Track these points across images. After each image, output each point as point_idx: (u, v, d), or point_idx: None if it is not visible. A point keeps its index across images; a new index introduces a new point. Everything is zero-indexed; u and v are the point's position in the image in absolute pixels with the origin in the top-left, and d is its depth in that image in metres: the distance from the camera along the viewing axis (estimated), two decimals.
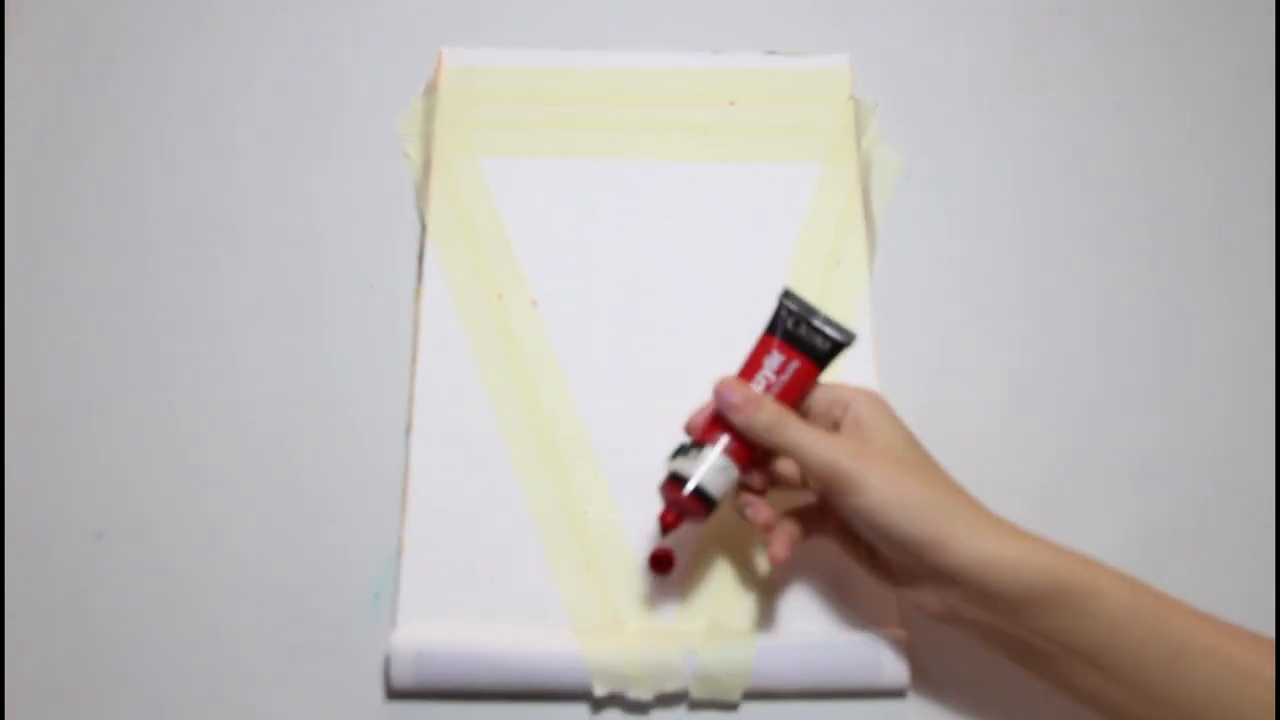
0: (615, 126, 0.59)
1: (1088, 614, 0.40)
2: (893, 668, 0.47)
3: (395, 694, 0.48)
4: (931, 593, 0.44)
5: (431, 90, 0.59)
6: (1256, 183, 0.60)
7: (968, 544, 0.41)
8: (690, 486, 0.45)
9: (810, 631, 0.49)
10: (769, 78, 0.60)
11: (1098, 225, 0.59)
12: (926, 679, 0.48)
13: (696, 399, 0.53)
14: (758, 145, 0.58)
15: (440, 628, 0.48)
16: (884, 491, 0.42)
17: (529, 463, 0.52)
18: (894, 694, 0.48)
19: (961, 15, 0.63)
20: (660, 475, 0.47)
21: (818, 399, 0.47)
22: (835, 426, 0.46)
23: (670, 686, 0.47)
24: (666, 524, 0.46)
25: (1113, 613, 0.40)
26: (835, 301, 0.55)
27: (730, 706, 0.48)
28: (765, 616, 0.49)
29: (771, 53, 0.61)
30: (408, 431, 0.52)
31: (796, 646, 0.48)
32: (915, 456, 0.45)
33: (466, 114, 0.59)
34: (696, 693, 0.47)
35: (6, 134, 0.58)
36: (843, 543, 0.47)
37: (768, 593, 0.50)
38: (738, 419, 0.45)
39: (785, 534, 0.46)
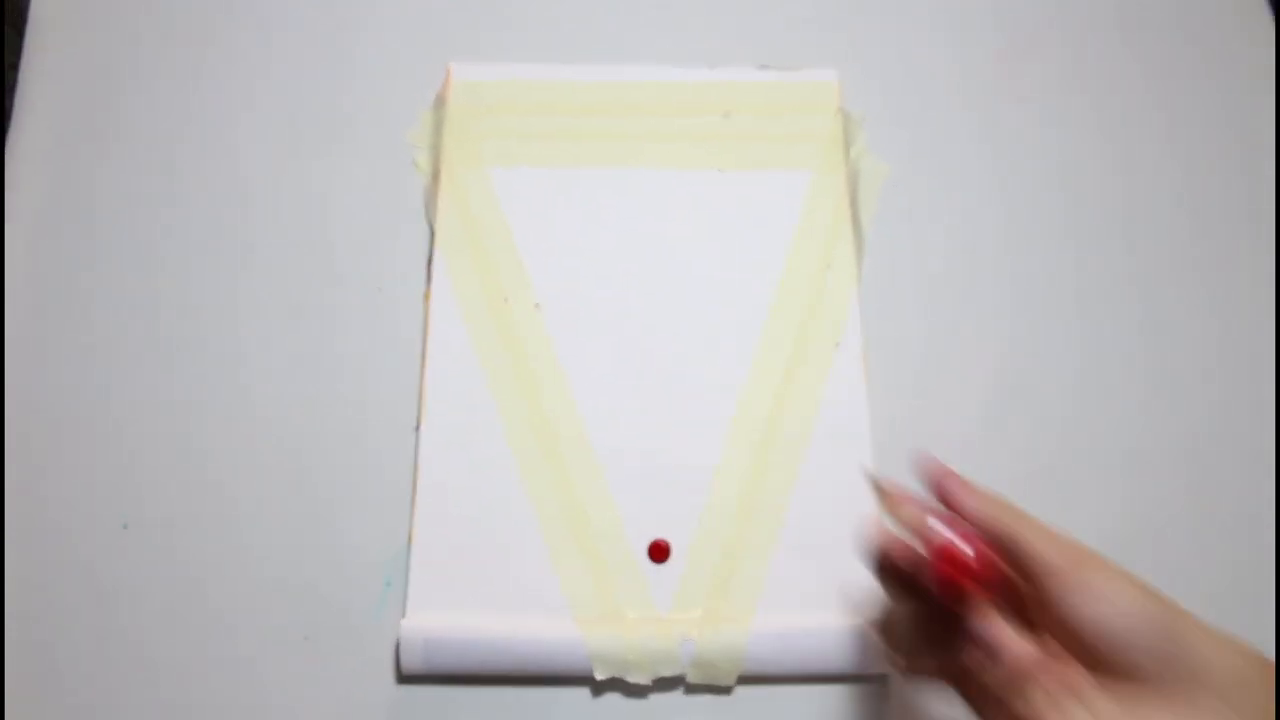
0: (616, 137, 0.60)
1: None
2: (880, 653, 0.49)
3: (406, 678, 0.49)
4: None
5: (440, 103, 0.60)
6: (1242, 189, 0.60)
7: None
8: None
9: (802, 619, 0.50)
10: (762, 91, 0.61)
11: (1082, 232, 0.59)
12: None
13: (693, 398, 0.54)
14: (751, 154, 0.59)
15: (448, 615, 0.50)
16: (1110, 580, 0.36)
17: (532, 459, 0.53)
18: (881, 678, 0.50)
19: (946, 29, 0.64)
20: (658, 474, 0.50)
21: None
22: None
23: (668, 671, 0.48)
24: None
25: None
26: (826, 305, 0.56)
27: (725, 690, 0.49)
28: (759, 605, 0.50)
29: (764, 67, 0.62)
30: (417, 429, 0.53)
31: (789, 633, 0.49)
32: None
33: (474, 126, 0.60)
34: (693, 677, 0.49)
35: (22, 142, 0.59)
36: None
37: (762, 582, 0.51)
38: (970, 502, 0.38)
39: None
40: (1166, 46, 0.64)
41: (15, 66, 0.61)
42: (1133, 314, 0.58)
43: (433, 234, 0.58)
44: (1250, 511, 0.54)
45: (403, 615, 0.50)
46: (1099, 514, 0.53)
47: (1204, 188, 0.61)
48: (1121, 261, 0.59)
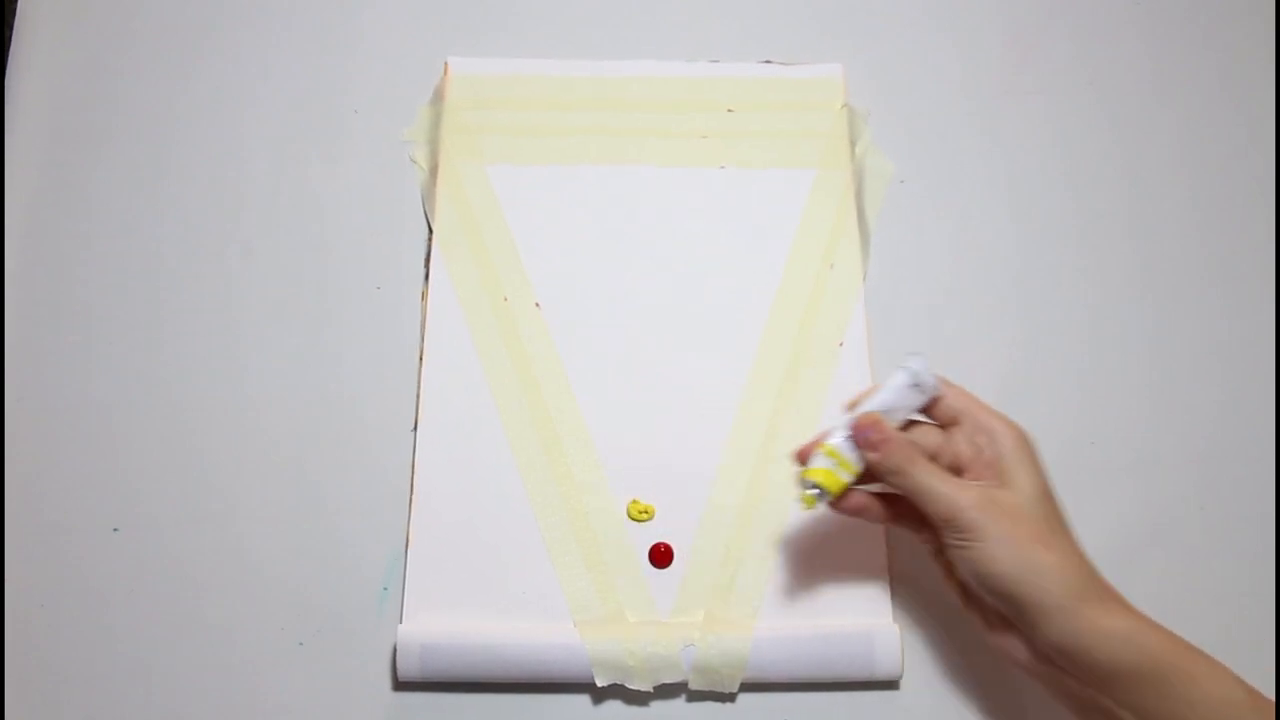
0: (617, 133, 0.59)
1: (1178, 698, 0.40)
2: (886, 659, 0.48)
3: (402, 684, 0.48)
4: (1023, 648, 0.44)
5: (438, 99, 0.60)
6: (1249, 185, 0.60)
7: (1071, 613, 0.41)
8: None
9: (805, 624, 0.49)
10: (765, 86, 0.61)
11: (1089, 228, 0.59)
12: (919, 670, 0.49)
13: (695, 399, 0.54)
14: (755, 151, 0.59)
15: (445, 620, 0.49)
16: (999, 547, 0.42)
17: (532, 460, 0.52)
18: (887, 685, 0.49)
19: (952, 23, 0.64)
20: (658, 474, 0.50)
21: (967, 421, 0.46)
22: (976, 455, 0.45)
23: (669, 677, 0.48)
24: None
25: (1202, 699, 0.40)
26: (829, 303, 0.56)
27: (728, 697, 0.49)
28: (761, 609, 0.50)
29: (768, 62, 0.61)
30: (414, 430, 0.53)
31: (792, 638, 0.49)
32: (1042, 511, 0.44)
33: (472, 122, 0.59)
34: (695, 683, 0.48)
35: (20, 140, 0.58)
36: (940, 566, 0.47)
37: (764, 586, 0.50)
38: (873, 457, 0.45)
39: (869, 501, 0.47)
40: (1179, 36, 0.64)
41: (3, 64, 0.60)
42: (1140, 312, 0.57)
43: (430, 231, 0.57)
44: (1255, 512, 0.54)
45: (399, 620, 0.49)
46: (1106, 514, 0.53)
47: (1220, 180, 0.60)
48: (1129, 259, 0.59)
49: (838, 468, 0.46)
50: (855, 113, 0.60)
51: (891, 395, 0.46)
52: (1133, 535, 0.53)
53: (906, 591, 0.51)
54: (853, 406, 0.47)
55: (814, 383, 0.54)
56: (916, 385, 0.46)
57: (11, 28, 0.61)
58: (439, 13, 0.63)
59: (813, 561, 0.51)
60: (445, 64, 0.61)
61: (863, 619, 0.50)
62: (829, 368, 0.55)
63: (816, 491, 0.46)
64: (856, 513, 0.47)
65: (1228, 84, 0.63)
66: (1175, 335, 0.57)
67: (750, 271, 0.57)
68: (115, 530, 0.51)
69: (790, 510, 0.52)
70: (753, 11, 0.63)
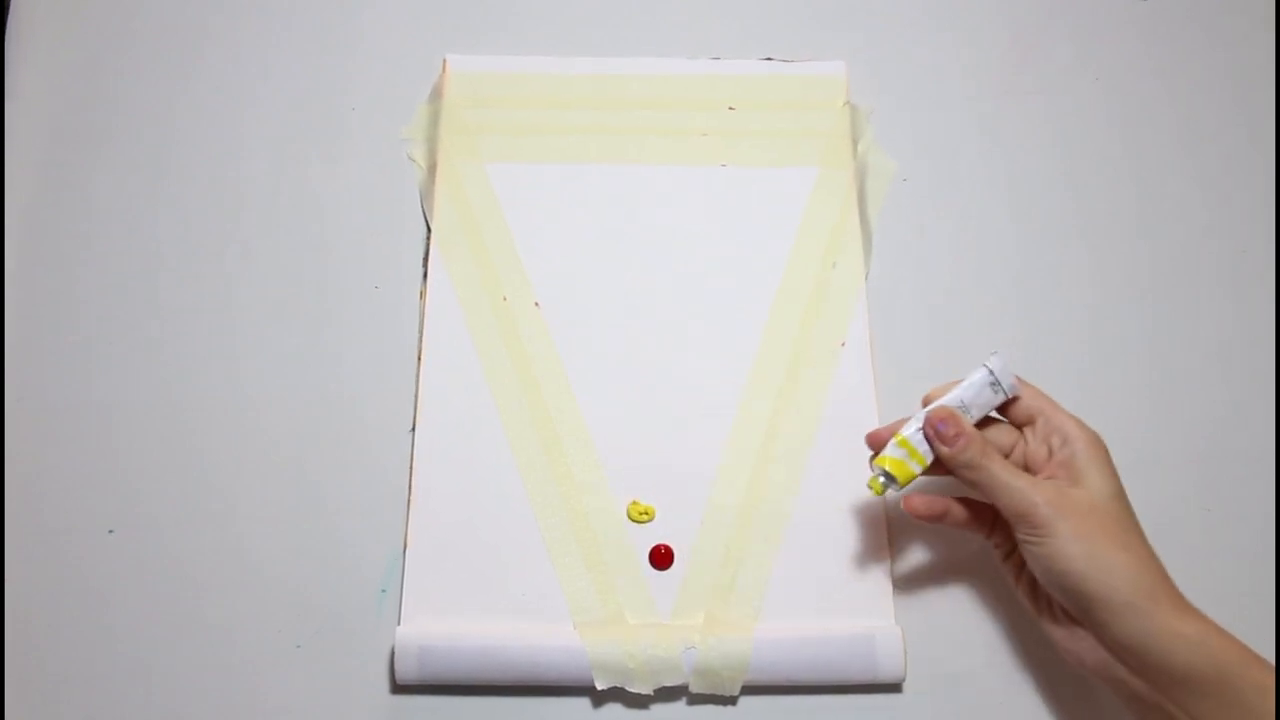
0: (617, 131, 0.59)
1: (1247, 707, 0.40)
2: (889, 661, 0.48)
3: (400, 687, 0.48)
4: (1090, 647, 0.44)
5: (436, 96, 0.60)
6: (1250, 185, 0.60)
7: (1142, 612, 0.42)
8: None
9: (807, 626, 0.49)
10: (767, 84, 0.60)
11: (1091, 227, 0.59)
12: (921, 672, 0.49)
13: (696, 399, 0.54)
14: (756, 150, 0.59)
15: (444, 622, 0.49)
16: (1071, 543, 0.43)
17: (531, 461, 0.52)
18: (890, 687, 0.49)
19: (956, 21, 0.63)
20: (659, 474, 0.50)
21: (1042, 421, 0.47)
22: (1049, 456, 0.46)
23: (670, 680, 0.48)
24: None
25: (1267, 709, 0.40)
26: (831, 302, 0.56)
27: (729, 700, 0.48)
28: (763, 611, 0.50)
29: (769, 59, 0.61)
30: (413, 430, 0.53)
31: (794, 641, 0.48)
32: (1115, 512, 0.44)
33: (471, 120, 0.59)
34: (696, 686, 0.48)
35: (18, 140, 0.58)
36: (1010, 568, 0.48)
37: (765, 588, 0.50)
38: (945, 450, 0.46)
39: (951, 505, 0.47)
40: (1182, 35, 0.64)
41: (2, 64, 0.60)
42: (1142, 311, 0.57)
43: (429, 230, 0.57)
44: (1257, 512, 0.53)
45: (397, 622, 0.49)
46: None
47: (1222, 177, 0.60)
48: (1131, 259, 0.58)
49: (909, 458, 0.47)
50: (857, 111, 0.60)
51: (969, 392, 0.47)
52: None
53: (909, 593, 0.51)
54: (928, 401, 0.48)
55: (815, 383, 0.54)
56: (995, 384, 0.47)
57: (7, 27, 0.61)
58: (438, 11, 0.63)
59: (814, 562, 0.51)
60: (444, 62, 0.61)
61: (865, 620, 0.49)
62: (830, 367, 0.54)
63: (885, 479, 0.47)
64: (937, 518, 0.47)
65: (1230, 83, 0.63)
66: (1177, 335, 0.57)
67: (751, 271, 0.56)
68: (112, 531, 0.51)
69: (791, 510, 0.51)
70: (754, 9, 0.63)
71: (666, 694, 0.48)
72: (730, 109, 0.60)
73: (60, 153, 0.58)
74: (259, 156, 0.59)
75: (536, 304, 0.55)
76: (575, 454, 0.52)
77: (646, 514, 0.51)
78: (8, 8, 0.61)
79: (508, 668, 0.48)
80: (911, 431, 0.47)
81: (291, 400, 0.53)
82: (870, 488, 0.47)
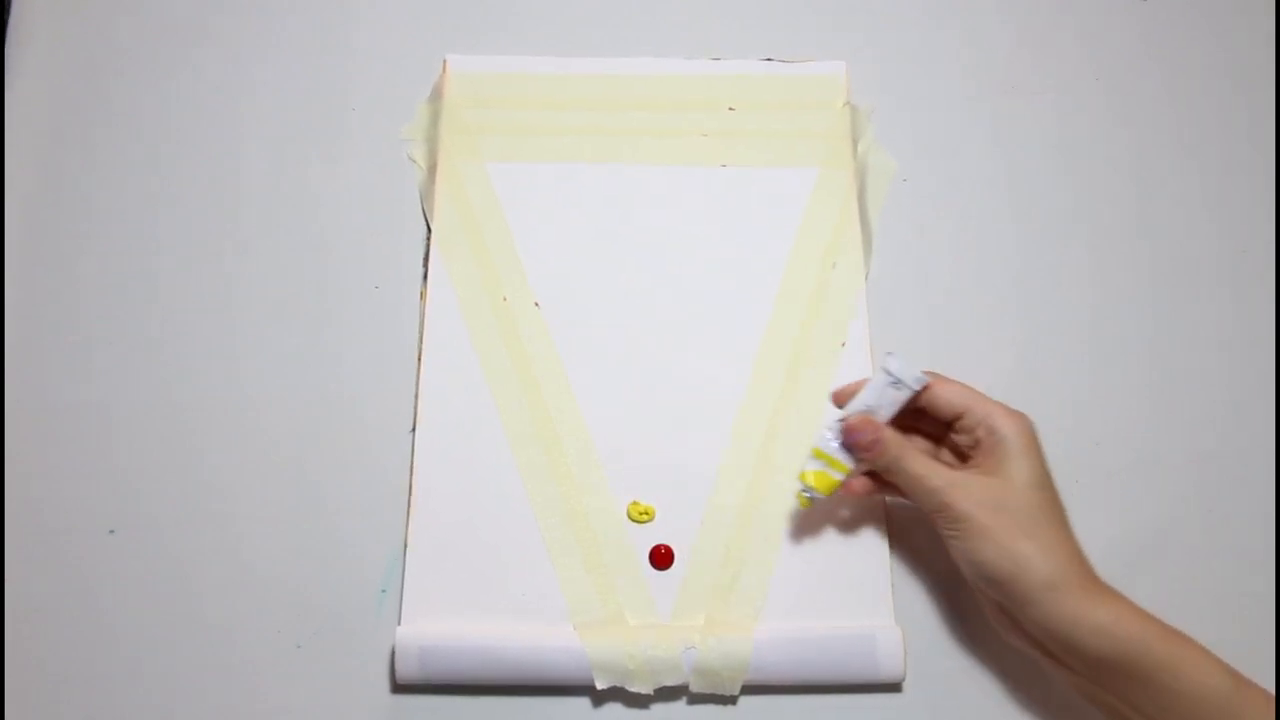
0: (617, 132, 0.59)
1: (1162, 688, 0.41)
2: (889, 661, 0.48)
3: (401, 687, 0.48)
4: (1020, 635, 0.45)
5: (437, 97, 0.60)
6: (1252, 185, 0.60)
7: (1049, 602, 0.43)
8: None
9: (807, 626, 0.49)
10: (767, 84, 0.60)
11: (1093, 228, 0.59)
12: (922, 672, 0.49)
13: (694, 398, 0.54)
14: (756, 150, 0.59)
15: (444, 622, 0.49)
16: (983, 537, 0.44)
17: (531, 461, 0.52)
18: (890, 687, 0.49)
19: (957, 20, 0.63)
20: (659, 475, 0.50)
21: (968, 415, 0.47)
22: (976, 446, 0.47)
23: (670, 680, 0.48)
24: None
25: (1187, 691, 0.41)
26: (831, 303, 0.56)
27: (729, 700, 0.48)
28: (763, 611, 0.50)
29: (769, 60, 0.61)
30: (413, 430, 0.53)
31: (793, 640, 0.48)
32: (1031, 502, 0.45)
33: (471, 120, 0.59)
34: (696, 686, 0.48)
35: (17, 140, 0.58)
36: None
37: (765, 588, 0.50)
38: (865, 457, 0.48)
39: (864, 483, 0.49)
40: (1184, 34, 0.64)
41: (1, 64, 0.60)
42: (1144, 311, 0.57)
43: (429, 230, 0.57)
44: (1259, 512, 0.53)
45: (398, 622, 0.49)
46: (1109, 514, 0.53)
47: (1223, 176, 0.60)
48: (1133, 259, 0.58)
49: (829, 468, 0.48)
50: (857, 111, 0.60)
51: (872, 395, 0.48)
52: (1136, 536, 0.52)
53: (909, 592, 0.51)
54: (837, 399, 0.49)
55: (815, 383, 0.54)
56: (897, 383, 0.48)
57: (7, 27, 0.61)
58: (438, 10, 0.62)
59: (814, 562, 0.51)
60: (444, 62, 0.61)
61: (865, 620, 0.49)
62: (831, 368, 0.54)
63: (809, 494, 0.48)
64: (879, 491, 0.50)
65: (1230, 84, 0.63)
66: (1179, 335, 0.57)
67: (752, 271, 0.56)
68: (112, 531, 0.51)
69: (791, 511, 0.51)
70: (754, 9, 0.63)
71: (666, 694, 0.48)
72: (730, 109, 0.60)
73: (60, 153, 0.58)
74: (259, 156, 0.59)
75: (536, 304, 0.55)
76: (575, 454, 0.52)
77: (646, 514, 0.51)
78: (8, 8, 0.61)
79: (508, 668, 0.48)
80: (826, 442, 0.48)
81: (291, 400, 0.53)
82: (798, 503, 0.49)
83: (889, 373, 0.48)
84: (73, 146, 0.58)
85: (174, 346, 0.54)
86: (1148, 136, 0.61)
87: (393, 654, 0.48)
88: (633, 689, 0.48)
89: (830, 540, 0.51)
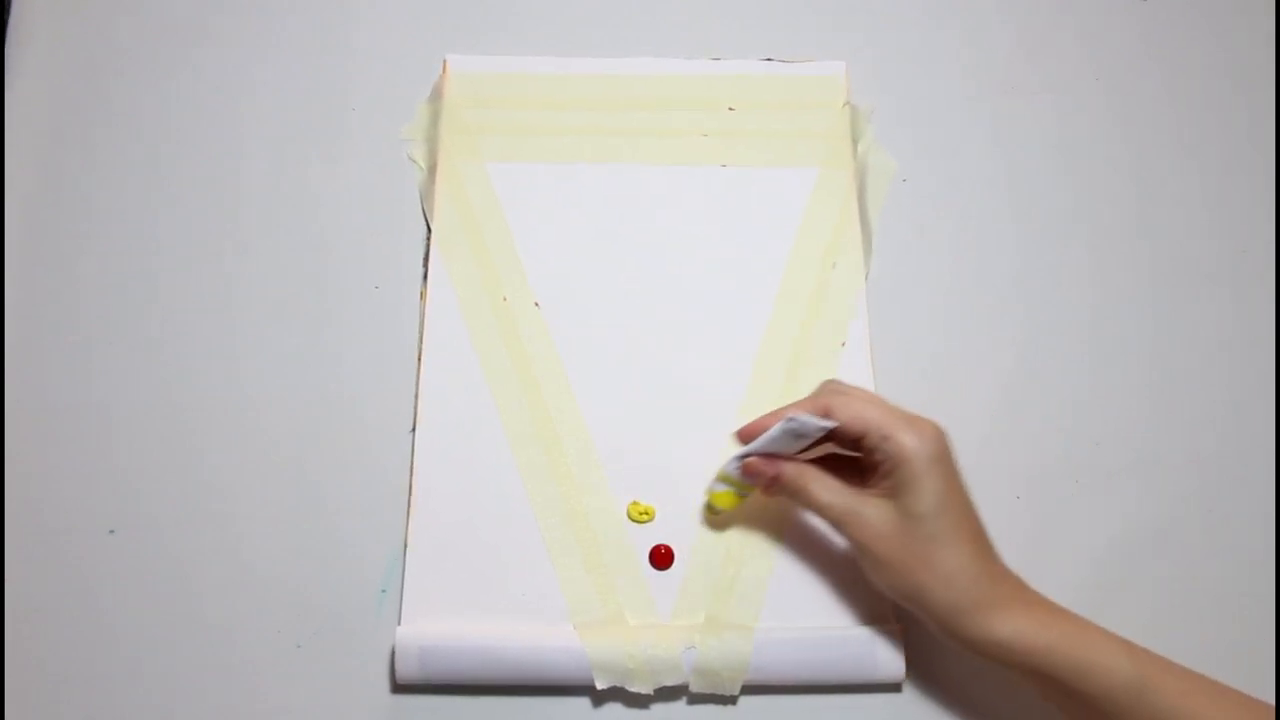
0: (617, 132, 0.59)
1: (1073, 691, 0.42)
2: (888, 661, 0.48)
3: (401, 687, 0.48)
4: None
5: (437, 97, 0.60)
6: (1251, 185, 0.60)
7: (955, 628, 0.44)
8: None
9: (807, 626, 0.49)
10: (767, 84, 0.60)
11: (1093, 228, 0.59)
12: (922, 672, 0.49)
13: (694, 398, 0.54)
14: (756, 150, 0.59)
15: (444, 622, 0.49)
16: (882, 569, 0.45)
17: (531, 461, 0.52)
18: (890, 687, 0.49)
19: (957, 20, 0.63)
20: (659, 475, 0.50)
21: (868, 437, 0.45)
22: (876, 467, 0.45)
23: (670, 680, 0.48)
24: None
25: (1094, 691, 0.42)
26: (831, 303, 0.56)
27: (729, 700, 0.48)
28: (763, 611, 0.50)
29: (769, 60, 0.61)
30: (413, 430, 0.53)
31: (794, 641, 0.48)
32: (936, 527, 0.44)
33: (471, 120, 0.59)
34: (696, 686, 0.48)
35: (17, 140, 0.58)
36: None
37: (765, 588, 0.50)
38: (770, 492, 0.49)
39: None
40: (1185, 35, 0.64)
41: (1, 64, 0.60)
42: (1144, 312, 0.57)
43: (429, 230, 0.57)
44: (1259, 513, 0.53)
45: (398, 622, 0.49)
46: (1109, 514, 0.53)
47: (1224, 177, 0.60)
48: (1133, 259, 0.58)
49: (734, 488, 0.50)
50: (857, 111, 0.60)
51: (775, 444, 0.47)
52: (1136, 536, 0.52)
53: None
54: (742, 440, 0.49)
55: (816, 383, 0.53)
56: (799, 435, 0.47)
57: (7, 27, 0.61)
58: (438, 10, 0.62)
59: (814, 563, 0.51)
60: (444, 62, 0.61)
61: (865, 621, 0.49)
62: (831, 368, 0.54)
63: (717, 514, 0.51)
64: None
65: (1230, 84, 0.63)
66: (1179, 335, 0.57)
67: (752, 271, 0.56)
68: (112, 531, 0.51)
69: (791, 510, 0.51)
70: (754, 9, 0.63)
71: (666, 694, 0.48)
72: (730, 109, 0.60)
73: (60, 153, 0.58)
74: (258, 156, 0.58)
75: (536, 304, 0.55)
76: (575, 454, 0.52)
77: (646, 514, 0.51)
78: (8, 8, 0.61)
79: (508, 668, 0.48)
80: (732, 469, 0.49)
81: (291, 400, 0.53)
82: (706, 523, 0.51)
83: (787, 425, 0.46)
84: (73, 146, 0.58)
85: (174, 346, 0.54)
86: (1148, 136, 0.61)
87: (393, 654, 0.48)
88: (633, 689, 0.48)
89: (830, 540, 0.51)
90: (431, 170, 0.58)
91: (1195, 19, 0.64)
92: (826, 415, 0.46)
